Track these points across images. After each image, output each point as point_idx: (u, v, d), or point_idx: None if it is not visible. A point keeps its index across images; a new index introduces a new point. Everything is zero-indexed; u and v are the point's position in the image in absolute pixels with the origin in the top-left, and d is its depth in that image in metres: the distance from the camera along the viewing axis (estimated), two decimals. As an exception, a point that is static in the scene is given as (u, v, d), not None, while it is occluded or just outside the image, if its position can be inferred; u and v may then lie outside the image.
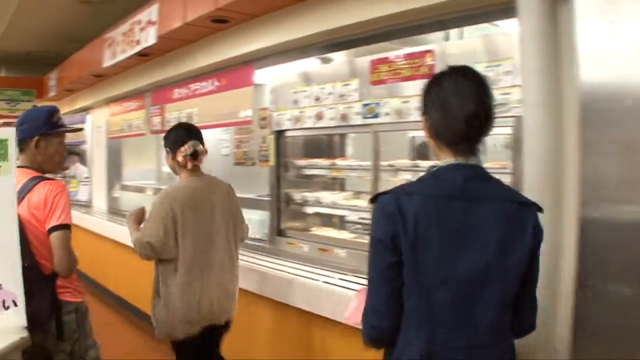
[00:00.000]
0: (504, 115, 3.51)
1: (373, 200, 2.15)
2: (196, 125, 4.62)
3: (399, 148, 5.61)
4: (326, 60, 5.61)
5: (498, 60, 3.65)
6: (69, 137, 11.65)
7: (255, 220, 6.11)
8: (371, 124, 4.57)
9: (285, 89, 5.46)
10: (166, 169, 8.93)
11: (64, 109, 12.21)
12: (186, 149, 4.00)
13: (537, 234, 2.05)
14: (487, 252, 1.98)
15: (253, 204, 6.16)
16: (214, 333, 4.09)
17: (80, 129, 4.34)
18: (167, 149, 4.13)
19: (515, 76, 3.52)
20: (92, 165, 11.00)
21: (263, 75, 6.01)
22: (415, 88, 4.13)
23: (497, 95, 3.21)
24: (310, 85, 5.16)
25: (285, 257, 5.34)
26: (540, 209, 2.09)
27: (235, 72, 6.27)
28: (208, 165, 8.11)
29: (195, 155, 4.06)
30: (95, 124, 10.81)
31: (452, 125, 2.06)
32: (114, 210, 9.67)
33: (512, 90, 3.55)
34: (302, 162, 5.67)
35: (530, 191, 3.14)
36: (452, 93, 2.06)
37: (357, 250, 4.67)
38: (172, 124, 6.99)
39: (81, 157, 12.37)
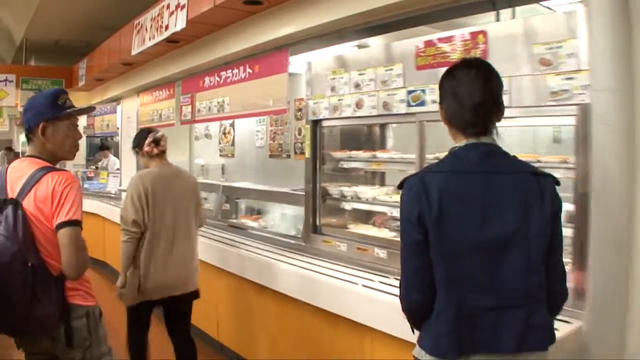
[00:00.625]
0: (566, 103, 3.27)
1: (401, 186, 2.38)
2: (228, 114, 6.05)
3: (447, 139, 5.23)
4: (363, 46, 5.30)
5: (558, 41, 3.31)
6: (99, 129, 11.68)
7: (290, 216, 5.83)
8: (416, 113, 4.23)
9: (321, 75, 5.15)
10: (199, 160, 9.17)
11: (95, 99, 12.11)
12: (148, 138, 4.72)
13: (555, 201, 2.21)
14: (509, 219, 2.16)
15: (287, 199, 5.89)
16: (179, 303, 4.71)
17: (92, 109, 4.09)
18: (136, 149, 4.85)
19: (578, 59, 3.21)
20: (122, 157, 10.78)
21: (299, 65, 5.74)
22: None
23: (558, 81, 3.24)
24: (349, 71, 4.83)
25: (321, 256, 5.05)
26: (557, 181, 2.28)
27: (268, 58, 5.97)
28: (242, 157, 7.99)
29: (157, 142, 4.74)
30: (125, 114, 10.59)
31: (462, 114, 2.32)
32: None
33: (576, 75, 3.23)
34: (340, 154, 5.33)
35: (599, 188, 2.96)
36: (462, 84, 2.32)
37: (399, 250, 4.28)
38: (203, 114, 7.13)
39: (112, 149, 12.25)
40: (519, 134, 4.69)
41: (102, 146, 13.13)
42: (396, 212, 4.77)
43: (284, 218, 5.98)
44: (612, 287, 2.98)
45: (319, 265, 4.73)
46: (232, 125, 9.09)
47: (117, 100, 10.92)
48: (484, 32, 3.78)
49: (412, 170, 4.23)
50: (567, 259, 2.83)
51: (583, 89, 3.16)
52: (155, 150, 4.73)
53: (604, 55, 2.99)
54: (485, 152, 2.28)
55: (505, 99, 3.23)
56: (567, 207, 3.25)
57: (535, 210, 2.17)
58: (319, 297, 4.31)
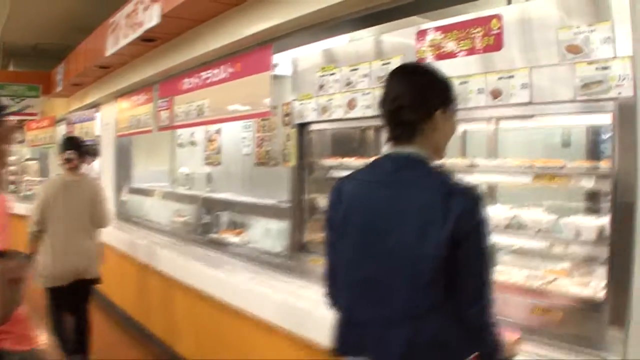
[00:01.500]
0: (601, 98, 2.82)
1: None
2: (208, 119, 6.32)
3: (452, 143, 4.61)
4: (356, 39, 4.72)
5: (590, 23, 2.85)
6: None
7: (275, 231, 5.24)
8: None
9: (309, 72, 4.61)
10: (184, 169, 8.79)
11: (74, 105, 11.52)
12: (63, 156, 5.73)
13: (462, 223, 2.05)
14: (405, 236, 2.12)
15: (270, 212, 5.30)
16: (81, 287, 5.68)
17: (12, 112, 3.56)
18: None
19: (615, 44, 2.77)
20: (102, 166, 10.17)
21: (285, 66, 5.15)
22: (476, 64, 3.41)
23: (590, 71, 2.82)
24: (340, 67, 4.31)
25: (308, 276, 4.50)
26: (475, 201, 2.12)
27: (251, 55, 5.43)
28: (229, 165, 7.48)
29: (69, 161, 5.74)
30: (104, 121, 9.99)
31: (384, 117, 2.29)
32: (123, 216, 8.76)
33: (612, 63, 2.77)
34: (329, 161, 4.73)
35: None
36: (384, 92, 2.29)
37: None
38: (182, 119, 6.77)
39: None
40: (524, 136, 4.40)
41: (85, 152, 12.47)
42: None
43: (268, 233, 5.40)
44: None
45: (304, 288, 4.24)
46: (218, 131, 8.53)
47: (96, 106, 10.28)
48: (498, 16, 3.29)
49: None
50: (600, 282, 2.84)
51: (622, 80, 2.72)
52: (67, 166, 5.76)
53: None
54: (400, 163, 2.24)
55: (524, 95, 3.09)
56: (601, 220, 3.09)
57: (433, 230, 2.07)
58: (307, 328, 3.80)
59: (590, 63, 2.83)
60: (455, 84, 3.27)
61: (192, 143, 9.25)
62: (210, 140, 8.85)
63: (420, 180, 2.18)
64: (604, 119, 2.95)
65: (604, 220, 3.05)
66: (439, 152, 2.34)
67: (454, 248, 2.06)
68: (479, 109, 3.36)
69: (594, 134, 3.95)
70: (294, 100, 4.74)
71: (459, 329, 2.14)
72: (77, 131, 11.28)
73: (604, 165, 2.98)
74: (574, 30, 2.88)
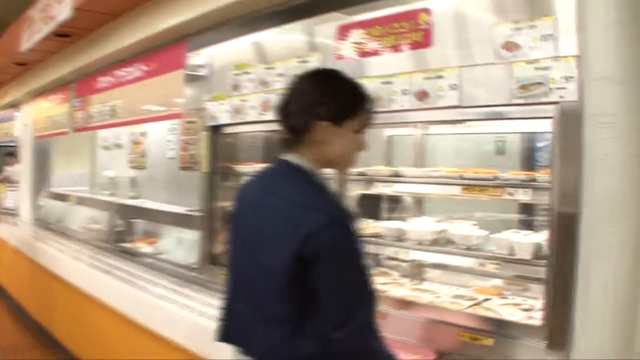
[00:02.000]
0: (540, 102, 2.47)
1: None
2: (121, 120, 5.63)
3: (376, 150, 4.23)
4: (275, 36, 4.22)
5: (530, 19, 2.52)
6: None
7: (189, 240, 4.75)
8: None
9: (222, 71, 4.19)
10: (109, 173, 8.11)
11: (-6, 103, 10.76)
12: None
13: (312, 241, 1.88)
14: (266, 245, 2.04)
15: (183, 221, 4.83)
16: None
17: None
18: None
19: (557, 42, 2.46)
20: (21, 168, 9.47)
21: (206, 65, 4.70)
22: (402, 62, 3.07)
23: (529, 71, 2.50)
24: (255, 65, 3.85)
25: (218, 293, 3.86)
26: (334, 218, 1.91)
27: (165, 52, 4.94)
28: (154, 169, 7.03)
29: None
30: (23, 121, 9.32)
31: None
32: (40, 222, 8.13)
33: (553, 63, 2.43)
34: (245, 167, 4.27)
35: (597, 216, 2.21)
36: (286, 90, 2.15)
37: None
38: (96, 120, 6.30)
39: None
40: (454, 143, 4.03)
41: (9, 153, 11.79)
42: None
43: (180, 243, 4.89)
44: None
45: (212, 306, 3.65)
46: (144, 134, 7.93)
47: (16, 105, 9.59)
48: (426, 10, 2.90)
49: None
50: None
51: (564, 82, 2.38)
52: None
53: (606, 32, 2.18)
54: (277, 171, 2.17)
55: (453, 97, 2.74)
56: (537, 237, 2.89)
57: (283, 243, 1.95)
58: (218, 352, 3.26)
59: (528, 62, 2.50)
60: (378, 84, 2.91)
61: (118, 145, 8.64)
62: (135, 143, 8.27)
63: (289, 190, 2.06)
64: (544, 126, 2.62)
65: (541, 237, 2.81)
66: (333, 166, 2.19)
67: (305, 266, 1.92)
68: (405, 112, 2.98)
69: (531, 141, 3.67)
70: (207, 101, 4.31)
71: (316, 349, 1.97)
72: (-3, 131, 10.64)
73: (542, 176, 2.69)
74: (511, 25, 2.56)
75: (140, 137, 8.03)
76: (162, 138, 7.43)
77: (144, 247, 5.49)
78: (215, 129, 4.30)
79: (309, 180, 2.06)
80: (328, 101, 2.03)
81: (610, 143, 2.13)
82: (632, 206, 2.13)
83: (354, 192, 3.66)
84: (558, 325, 2.36)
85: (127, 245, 5.78)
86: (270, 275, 2.00)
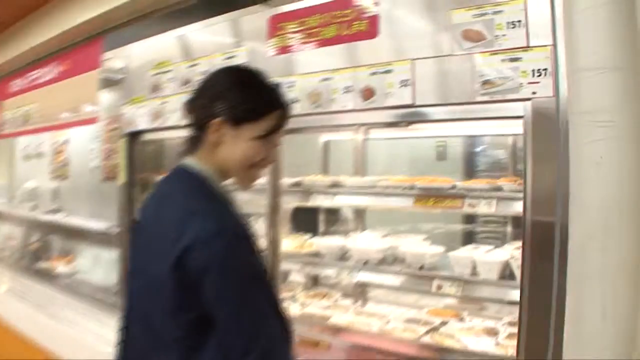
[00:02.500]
0: (505, 100, 2.11)
1: None
2: (33, 127, 5.10)
3: (313, 156, 3.79)
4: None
5: (496, 2, 2.14)
6: None
7: (106, 260, 4.21)
8: None
9: (142, 71, 3.67)
10: (30, 183, 7.39)
11: None
12: None
13: (192, 256, 1.61)
14: (150, 263, 1.78)
15: (100, 238, 4.31)
16: None
17: None
18: None
19: (527, 29, 2.07)
20: None
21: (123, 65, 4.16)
22: (343, 56, 2.60)
23: (495, 63, 2.14)
24: (177, 63, 3.35)
25: None
26: (218, 232, 1.62)
27: (79, 50, 4.49)
28: (77, 180, 6.45)
29: None
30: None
31: None
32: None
33: (524, 54, 2.07)
34: (165, 178, 3.66)
35: (589, 235, 1.82)
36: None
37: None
38: (10, 126, 5.92)
39: None
40: (404, 149, 3.74)
41: None
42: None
43: (98, 262, 4.37)
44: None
45: None
46: (66, 141, 7.32)
47: None
48: None
49: (263, 199, 2.95)
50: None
51: (537, 75, 2.03)
52: None
53: (596, 14, 1.79)
54: (172, 177, 1.88)
55: (405, 95, 2.35)
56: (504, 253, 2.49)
57: (165, 256, 1.65)
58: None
59: (494, 54, 2.13)
60: (316, 81, 2.50)
61: (39, 155, 8.00)
62: (57, 152, 7.67)
63: (179, 198, 1.79)
64: (512, 127, 2.31)
65: (505, 253, 2.47)
66: (230, 175, 1.83)
67: (194, 283, 1.65)
68: (348, 113, 2.54)
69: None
70: (125, 104, 3.82)
71: None
72: None
73: (509, 184, 2.33)
74: (473, 11, 2.18)
75: (62, 145, 7.45)
76: (85, 146, 6.91)
77: (60, 267, 4.95)
78: (134, 136, 3.83)
79: (201, 188, 1.79)
80: (229, 97, 1.76)
81: (606, 144, 1.74)
82: (632, 217, 1.74)
83: (288, 205, 3.18)
84: (536, 355, 2.01)
85: (44, 264, 5.25)
86: (158, 293, 1.73)
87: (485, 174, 3.24)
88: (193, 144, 1.83)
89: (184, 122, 2.84)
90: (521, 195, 2.16)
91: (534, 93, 2.00)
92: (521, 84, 2.03)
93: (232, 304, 1.65)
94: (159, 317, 1.75)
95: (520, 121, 2.02)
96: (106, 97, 4.19)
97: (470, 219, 3.30)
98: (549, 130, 1.94)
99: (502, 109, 2.11)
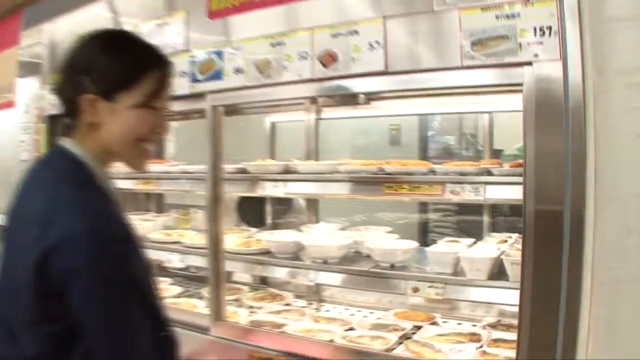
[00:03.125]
0: (501, 64, 1.72)
1: None
2: None
3: (261, 138, 3.30)
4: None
5: None
6: None
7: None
8: (206, 93, 2.42)
9: (64, 47, 2.94)
10: None
11: None
12: None
13: (54, 257, 1.31)
14: (11, 256, 1.50)
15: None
16: None
17: None
18: None
19: None
20: None
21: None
22: (297, 16, 2.15)
23: (486, 20, 1.74)
24: None
25: None
26: (88, 233, 1.32)
27: None
28: (7, 174, 5.84)
29: None
30: None
31: None
32: None
33: (522, 9, 1.68)
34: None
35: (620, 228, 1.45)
36: None
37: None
38: None
39: None
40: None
41: None
42: (180, 261, 2.77)
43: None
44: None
45: None
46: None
47: None
48: None
49: (201, 189, 2.55)
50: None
51: (541, 33, 1.63)
52: None
53: None
54: (45, 160, 1.55)
55: (376, 59, 1.90)
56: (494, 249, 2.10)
57: (27, 251, 1.35)
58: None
59: (485, 9, 1.73)
60: (265, 46, 2.11)
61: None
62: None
63: (47, 185, 1.48)
64: (510, 102, 1.94)
65: (492, 248, 2.09)
66: (116, 158, 1.53)
67: (51, 290, 1.36)
68: (302, 84, 2.07)
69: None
70: (46, 84, 3.34)
71: None
72: None
73: (499, 168, 1.93)
74: None
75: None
76: (13, 139, 6.35)
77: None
78: (55, 119, 3.36)
79: (75, 174, 1.50)
80: (95, 68, 1.46)
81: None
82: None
83: (231, 195, 2.69)
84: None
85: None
86: (17, 299, 1.44)
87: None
88: (70, 128, 1.52)
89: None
90: (515, 180, 1.75)
91: (536, 56, 1.61)
92: (520, 44, 1.64)
93: (99, 318, 1.39)
94: (16, 327, 1.47)
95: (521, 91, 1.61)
96: (33, 84, 3.67)
97: (436, 207, 2.88)
98: (555, 100, 1.55)
99: (496, 76, 1.69)
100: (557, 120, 1.56)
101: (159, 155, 3.65)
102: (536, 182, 1.60)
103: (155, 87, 1.48)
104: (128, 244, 1.42)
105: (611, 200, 1.39)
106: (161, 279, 3.25)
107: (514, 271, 1.79)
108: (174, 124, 3.63)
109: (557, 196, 1.56)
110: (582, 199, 1.51)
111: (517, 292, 1.70)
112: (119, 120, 1.48)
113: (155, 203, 3.75)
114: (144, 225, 3.12)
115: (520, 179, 1.71)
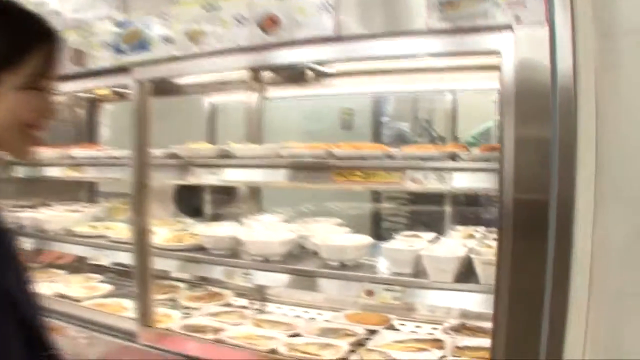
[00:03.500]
0: (474, 28, 1.41)
1: None
2: None
3: (198, 118, 2.96)
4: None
5: None
6: None
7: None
8: (133, 67, 2.07)
9: None
10: None
11: None
12: None
13: None
14: None
15: None
16: None
17: None
18: None
19: None
20: None
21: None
22: None
23: None
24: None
25: None
26: None
27: None
28: None
29: None
30: None
31: None
32: None
33: None
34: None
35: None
36: None
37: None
38: None
39: None
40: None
41: None
42: (106, 257, 2.42)
43: None
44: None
45: None
46: None
47: None
48: None
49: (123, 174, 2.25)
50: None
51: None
52: None
53: None
54: None
55: (325, 23, 1.57)
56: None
57: None
58: None
59: None
60: (195, 12, 1.80)
61: None
62: None
63: None
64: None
65: (458, 245, 1.77)
66: (2, 143, 1.21)
67: None
68: (240, 55, 1.73)
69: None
70: None
71: None
72: None
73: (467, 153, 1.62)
74: None
75: None
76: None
77: None
78: None
79: None
80: None
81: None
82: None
83: (166, 183, 2.34)
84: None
85: None
86: None
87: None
88: None
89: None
90: (488, 166, 1.45)
91: (517, 19, 1.31)
92: (497, 3, 1.34)
93: None
94: None
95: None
96: None
97: (391, 196, 2.59)
98: (540, 71, 1.27)
99: (468, 43, 1.39)
100: (541, 98, 1.27)
101: (92, 140, 3.27)
102: (516, 168, 1.30)
103: (42, 66, 1.25)
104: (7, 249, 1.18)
105: (619, 199, 1.11)
106: (91, 275, 2.90)
107: (485, 272, 1.50)
108: (108, 106, 3.28)
109: (541, 185, 1.27)
110: (571, 189, 1.23)
111: (490, 296, 1.43)
112: (1, 105, 1.24)
113: (87, 192, 3.36)
114: (70, 217, 2.75)
115: (492, 165, 1.42)
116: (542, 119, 1.29)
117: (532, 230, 1.30)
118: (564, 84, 1.23)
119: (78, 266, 3.04)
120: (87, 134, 3.28)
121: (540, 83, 1.27)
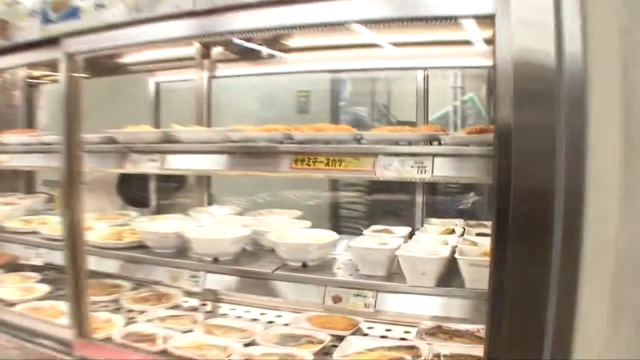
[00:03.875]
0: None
1: None
2: None
3: (143, 100, 2.62)
4: None
5: None
6: None
7: None
8: (61, 38, 1.76)
9: None
10: None
11: None
12: None
13: None
14: None
15: None
16: None
17: None
18: None
19: None
20: None
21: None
22: None
23: None
24: None
25: None
26: None
27: None
28: None
29: None
30: None
31: None
32: None
33: None
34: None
35: None
36: None
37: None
38: None
39: None
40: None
41: None
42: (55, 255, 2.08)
43: None
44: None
45: None
46: None
47: None
48: None
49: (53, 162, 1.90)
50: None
51: None
52: None
53: None
54: None
55: None
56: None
57: None
58: None
59: None
60: None
61: None
62: None
63: None
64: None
65: (441, 243, 1.51)
66: None
67: None
68: (188, 19, 1.45)
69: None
70: None
71: None
72: None
73: (458, 137, 1.37)
74: None
75: None
76: None
77: None
78: None
79: None
80: None
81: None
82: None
83: (99, 171, 2.03)
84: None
85: None
86: None
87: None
88: None
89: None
90: (473, 151, 1.20)
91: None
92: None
93: None
94: None
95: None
96: None
97: (352, 184, 2.33)
98: (543, 38, 1.01)
99: (456, 6, 1.13)
100: (545, 71, 1.02)
101: (30, 125, 2.93)
102: (517, 149, 1.04)
103: None
104: None
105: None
106: (28, 274, 2.57)
107: (471, 275, 1.25)
108: (47, 88, 2.93)
109: (545, 173, 1.03)
110: (581, 178, 0.98)
111: (477, 302, 1.18)
112: None
113: (25, 182, 3.01)
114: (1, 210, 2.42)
115: (480, 150, 1.17)
116: (546, 96, 1.04)
117: (535, 224, 1.05)
118: (573, 51, 0.98)
119: (17, 264, 2.71)
120: (26, 118, 2.95)
121: (543, 51, 1.02)
